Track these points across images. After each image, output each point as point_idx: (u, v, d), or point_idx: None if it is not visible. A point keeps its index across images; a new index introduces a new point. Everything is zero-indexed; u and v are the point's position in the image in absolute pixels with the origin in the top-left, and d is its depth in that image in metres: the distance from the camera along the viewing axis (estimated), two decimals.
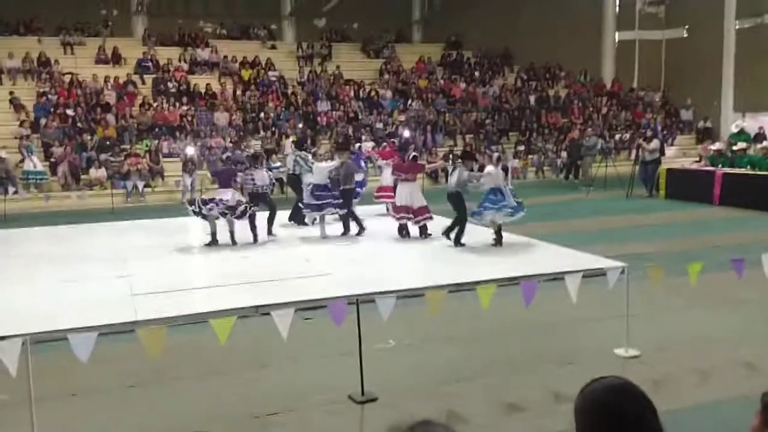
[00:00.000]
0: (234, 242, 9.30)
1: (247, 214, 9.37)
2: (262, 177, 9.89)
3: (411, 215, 9.69)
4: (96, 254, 8.94)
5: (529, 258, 8.31)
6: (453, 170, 9.29)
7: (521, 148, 21.52)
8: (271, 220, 9.90)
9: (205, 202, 9.27)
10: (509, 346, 5.47)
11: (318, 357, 5.41)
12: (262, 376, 5.04)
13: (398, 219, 9.88)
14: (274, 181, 10.21)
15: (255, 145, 17.91)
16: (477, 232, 9.73)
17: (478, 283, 6.68)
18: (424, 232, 9.81)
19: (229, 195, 9.33)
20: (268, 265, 8.18)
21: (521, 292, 4.83)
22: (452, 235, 9.09)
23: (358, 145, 19.19)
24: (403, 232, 9.91)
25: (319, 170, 10.01)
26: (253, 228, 9.48)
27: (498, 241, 9.13)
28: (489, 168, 9.32)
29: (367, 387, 4.54)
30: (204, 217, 9.28)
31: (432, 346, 5.52)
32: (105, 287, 7.03)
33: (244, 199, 9.55)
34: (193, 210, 9.26)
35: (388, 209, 12.34)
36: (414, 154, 10.28)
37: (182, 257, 8.82)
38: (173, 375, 5.00)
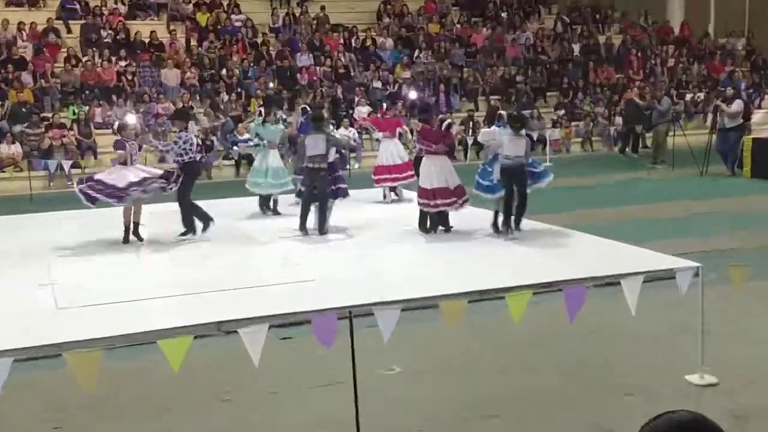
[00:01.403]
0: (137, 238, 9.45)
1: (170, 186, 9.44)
2: (195, 140, 9.86)
3: (453, 198, 9.40)
4: (10, 256, 8.90)
5: (574, 256, 8.28)
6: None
7: (562, 112, 21.51)
8: (186, 217, 9.63)
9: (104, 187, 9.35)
10: (549, 372, 5.48)
11: (299, 388, 5.40)
12: (227, 413, 5.05)
13: (431, 207, 9.46)
14: (204, 152, 10.09)
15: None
16: (482, 220, 9.73)
17: (508, 289, 6.64)
18: (445, 223, 9.60)
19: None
20: (233, 268, 8.16)
21: (564, 301, 4.83)
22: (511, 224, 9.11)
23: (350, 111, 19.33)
24: (428, 224, 9.58)
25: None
26: (190, 216, 9.62)
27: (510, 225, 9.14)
28: (487, 129, 9.44)
29: (364, 428, 4.56)
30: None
31: (449, 373, 5.53)
32: (22, 299, 7.02)
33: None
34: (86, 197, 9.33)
35: (385, 195, 12.37)
36: (449, 121, 10.05)
37: (122, 259, 8.79)
38: (111, 413, 5.00)
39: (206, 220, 9.76)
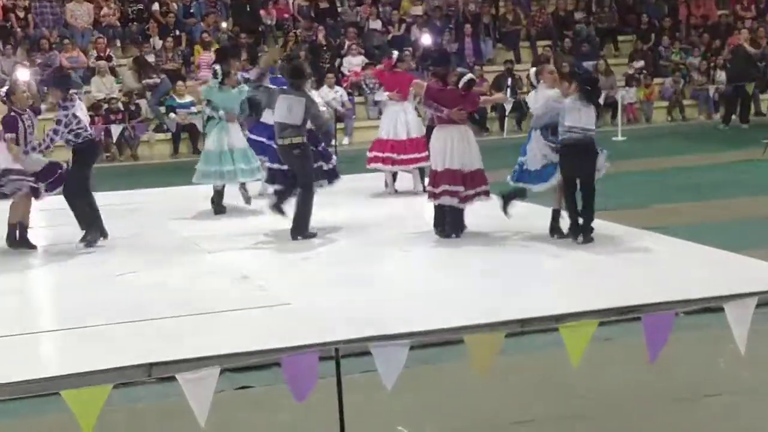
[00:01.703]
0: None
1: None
2: (84, 111, 9.81)
3: (461, 187, 9.45)
4: None
5: (655, 269, 8.29)
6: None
7: (640, 65, 21.49)
8: (80, 214, 9.66)
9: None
10: None
11: None
12: None
13: (439, 195, 9.53)
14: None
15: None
16: (534, 216, 9.80)
17: (561, 317, 6.63)
18: (457, 228, 9.67)
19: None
20: (167, 288, 8.18)
21: (642, 334, 4.82)
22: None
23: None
24: (443, 223, 9.66)
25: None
26: (85, 217, 9.61)
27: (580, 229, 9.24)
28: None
29: None
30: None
31: None
32: None
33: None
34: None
35: (386, 183, 12.36)
36: (470, 76, 9.89)
37: (13, 277, 8.84)
38: None
39: (95, 230, 9.63)
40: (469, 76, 9.86)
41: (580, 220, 9.21)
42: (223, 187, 11.29)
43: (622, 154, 16.22)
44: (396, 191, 12.35)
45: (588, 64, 21.06)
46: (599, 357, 5.78)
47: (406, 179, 12.47)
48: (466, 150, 9.53)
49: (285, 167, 10.13)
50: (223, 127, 11.12)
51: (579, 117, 9.03)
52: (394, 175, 12.41)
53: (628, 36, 22.71)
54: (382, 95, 12.39)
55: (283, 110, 9.67)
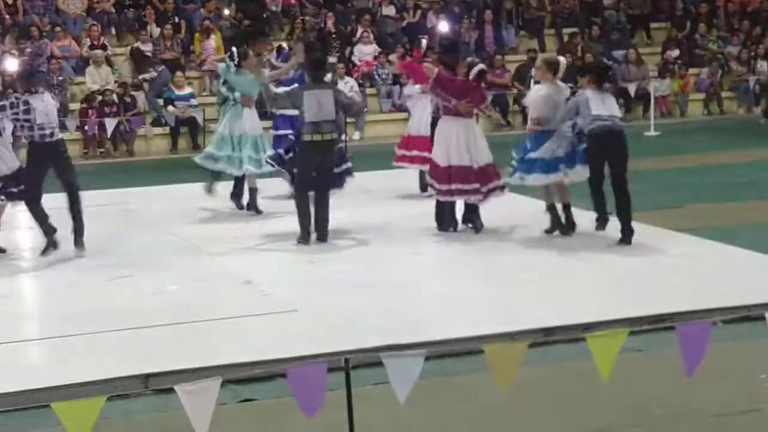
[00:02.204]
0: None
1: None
2: (43, 109, 9.28)
3: (476, 184, 9.63)
4: None
5: (691, 274, 8.26)
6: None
7: (675, 54, 21.43)
8: (75, 216, 9.47)
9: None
10: None
11: None
12: None
13: (445, 193, 9.76)
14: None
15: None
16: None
17: (587, 326, 6.61)
18: (474, 221, 9.90)
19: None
20: (165, 294, 8.19)
21: (676, 345, 4.81)
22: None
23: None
24: (447, 220, 9.94)
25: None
26: (42, 223, 9.41)
27: (564, 225, 9.55)
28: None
29: None
30: None
31: None
32: None
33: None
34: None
35: (424, 187, 12.03)
36: (481, 66, 10.01)
37: (1, 280, 8.95)
38: None
39: (49, 238, 9.41)
40: (480, 66, 9.96)
41: (609, 218, 9.33)
42: (243, 178, 11.26)
43: (654, 150, 16.24)
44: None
45: (618, 54, 21.06)
46: (630, 369, 5.75)
47: (410, 178, 12.38)
48: (472, 144, 9.64)
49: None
50: (237, 110, 11.10)
51: (603, 105, 9.20)
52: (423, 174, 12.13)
53: (661, 23, 22.65)
54: (412, 88, 11.98)
55: (313, 108, 9.60)
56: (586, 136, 9.25)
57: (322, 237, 9.75)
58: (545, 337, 6.70)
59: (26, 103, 9.15)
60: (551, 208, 9.65)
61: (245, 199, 11.42)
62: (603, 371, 4.73)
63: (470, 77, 9.67)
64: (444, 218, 9.96)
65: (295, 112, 10.17)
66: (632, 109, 20.48)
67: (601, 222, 9.49)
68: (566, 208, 9.68)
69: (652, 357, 6.35)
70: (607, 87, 9.50)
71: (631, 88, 20.07)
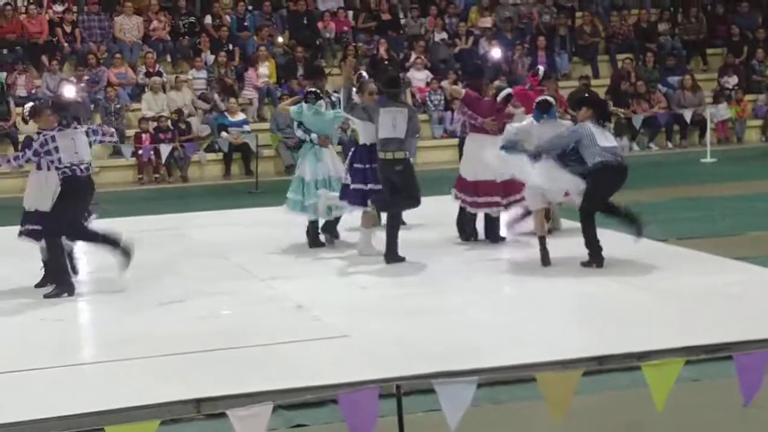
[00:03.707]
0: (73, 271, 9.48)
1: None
2: (71, 146, 9.05)
3: (497, 198, 10.18)
4: None
5: (750, 303, 8.15)
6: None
7: (733, 79, 21.21)
8: (109, 241, 9.34)
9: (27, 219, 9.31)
10: None
11: None
12: None
13: (471, 205, 10.36)
14: (104, 134, 9.55)
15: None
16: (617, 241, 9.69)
17: (642, 355, 6.52)
18: (492, 235, 10.44)
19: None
20: (216, 319, 8.23)
21: (734, 375, 4.73)
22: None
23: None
24: (468, 230, 10.54)
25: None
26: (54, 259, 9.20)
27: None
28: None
29: None
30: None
31: None
32: None
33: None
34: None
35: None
36: (508, 90, 10.52)
37: (54, 306, 8.93)
38: None
39: (65, 286, 9.19)
40: (508, 91, 10.55)
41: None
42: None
43: (711, 177, 16.06)
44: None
45: (673, 80, 20.91)
46: (686, 399, 5.67)
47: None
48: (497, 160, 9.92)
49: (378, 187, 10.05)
50: (316, 152, 10.65)
51: (606, 137, 9.46)
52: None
53: (717, 49, 22.43)
54: (524, 117, 11.15)
55: (387, 125, 9.77)
56: (591, 168, 9.25)
57: (389, 257, 9.86)
58: (599, 366, 6.62)
59: (53, 139, 8.93)
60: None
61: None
62: (658, 401, 4.67)
63: (498, 99, 10.35)
64: (465, 228, 10.62)
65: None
66: (688, 136, 20.32)
67: (599, 260, 9.39)
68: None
69: (709, 386, 6.24)
70: (604, 124, 9.66)
71: (687, 114, 19.91)
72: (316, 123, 10.63)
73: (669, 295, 8.52)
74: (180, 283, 9.42)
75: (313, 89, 10.88)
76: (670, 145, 20.24)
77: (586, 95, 11.31)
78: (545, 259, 9.54)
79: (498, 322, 7.90)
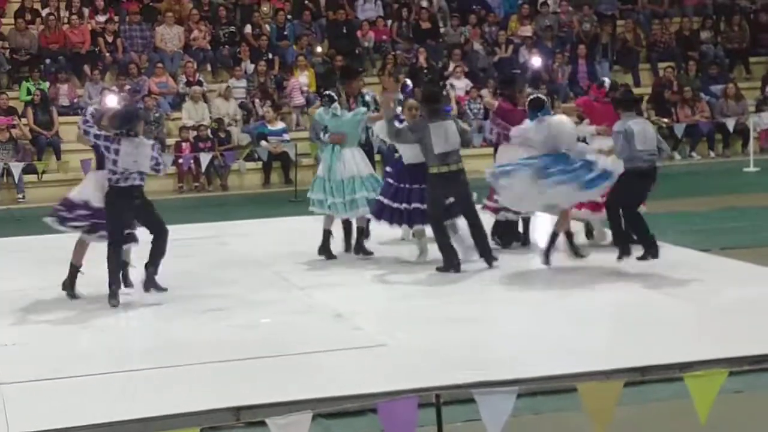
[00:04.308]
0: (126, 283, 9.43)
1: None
2: (131, 154, 9.03)
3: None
4: None
5: None
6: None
7: None
8: (155, 258, 9.31)
9: (71, 207, 9.42)
10: None
11: None
12: None
13: (500, 210, 10.50)
14: (159, 164, 9.45)
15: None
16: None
17: (685, 366, 6.46)
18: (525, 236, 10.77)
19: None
20: (255, 328, 8.25)
21: None
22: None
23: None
24: (508, 237, 10.69)
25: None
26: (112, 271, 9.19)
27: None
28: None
29: None
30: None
31: None
32: None
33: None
34: (59, 219, 9.35)
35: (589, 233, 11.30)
36: (537, 94, 10.50)
37: (96, 314, 8.99)
38: None
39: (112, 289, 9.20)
40: (538, 94, 10.57)
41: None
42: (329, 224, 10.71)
43: (754, 186, 15.89)
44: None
45: (716, 88, 20.73)
46: (730, 411, 5.62)
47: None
48: None
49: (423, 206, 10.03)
50: (334, 153, 10.51)
51: (645, 138, 9.43)
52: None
53: (761, 57, 22.20)
54: (583, 128, 11.06)
55: (441, 139, 9.71)
56: (629, 170, 9.41)
57: (488, 260, 9.93)
58: (641, 377, 6.57)
59: (118, 142, 8.99)
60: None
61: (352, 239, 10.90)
62: (701, 413, 4.62)
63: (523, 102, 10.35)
64: (504, 235, 10.76)
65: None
66: (731, 145, 20.11)
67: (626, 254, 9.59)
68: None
69: (753, 398, 6.18)
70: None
71: (730, 123, 19.70)
72: (336, 125, 10.56)
73: (712, 305, 8.44)
74: (219, 292, 9.46)
75: (328, 92, 10.82)
76: (712, 154, 20.03)
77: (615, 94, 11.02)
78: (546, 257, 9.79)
79: (538, 331, 7.86)
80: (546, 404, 6.19)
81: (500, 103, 10.67)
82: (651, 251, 9.39)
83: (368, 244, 10.83)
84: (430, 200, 9.86)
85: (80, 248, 9.42)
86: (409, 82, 11.50)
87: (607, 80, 11.88)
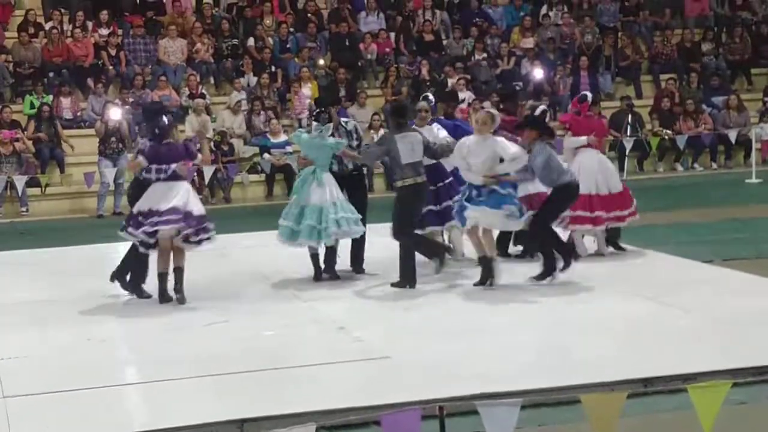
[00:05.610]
0: (181, 298, 9.49)
1: (207, 236, 9.70)
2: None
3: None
4: None
5: None
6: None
7: None
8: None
9: (143, 216, 9.45)
10: None
11: None
12: None
13: None
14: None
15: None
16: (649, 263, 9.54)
17: (688, 377, 6.45)
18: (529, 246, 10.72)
19: (181, 191, 9.77)
20: (259, 340, 8.25)
21: None
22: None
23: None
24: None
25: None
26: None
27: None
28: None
29: None
30: (152, 246, 9.51)
31: None
32: None
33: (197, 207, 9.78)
34: (130, 233, 9.46)
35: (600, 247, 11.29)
36: (542, 107, 10.65)
37: (99, 326, 8.99)
38: None
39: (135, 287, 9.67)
40: (542, 108, 10.66)
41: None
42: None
43: (757, 198, 15.88)
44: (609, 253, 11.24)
45: (718, 100, 20.75)
46: (733, 422, 5.60)
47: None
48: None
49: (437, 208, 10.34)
50: (317, 176, 10.07)
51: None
52: (612, 240, 11.27)
53: (763, 69, 22.23)
54: (573, 140, 11.07)
55: (407, 151, 9.71)
56: (557, 188, 9.65)
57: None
58: (644, 388, 6.57)
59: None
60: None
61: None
62: (705, 424, 4.62)
63: (536, 114, 10.38)
64: (506, 246, 10.80)
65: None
66: (733, 156, 20.11)
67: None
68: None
69: (756, 409, 6.17)
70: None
71: (732, 135, 19.70)
72: (311, 146, 10.20)
73: (715, 316, 8.43)
74: (223, 304, 9.45)
75: (326, 110, 10.42)
76: (714, 165, 20.04)
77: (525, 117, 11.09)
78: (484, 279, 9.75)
79: (542, 343, 7.87)
80: (550, 416, 6.17)
81: (503, 118, 10.48)
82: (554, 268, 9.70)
83: (367, 257, 10.67)
84: (401, 213, 9.75)
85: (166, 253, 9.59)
86: (431, 96, 11.53)
87: (588, 95, 11.87)
